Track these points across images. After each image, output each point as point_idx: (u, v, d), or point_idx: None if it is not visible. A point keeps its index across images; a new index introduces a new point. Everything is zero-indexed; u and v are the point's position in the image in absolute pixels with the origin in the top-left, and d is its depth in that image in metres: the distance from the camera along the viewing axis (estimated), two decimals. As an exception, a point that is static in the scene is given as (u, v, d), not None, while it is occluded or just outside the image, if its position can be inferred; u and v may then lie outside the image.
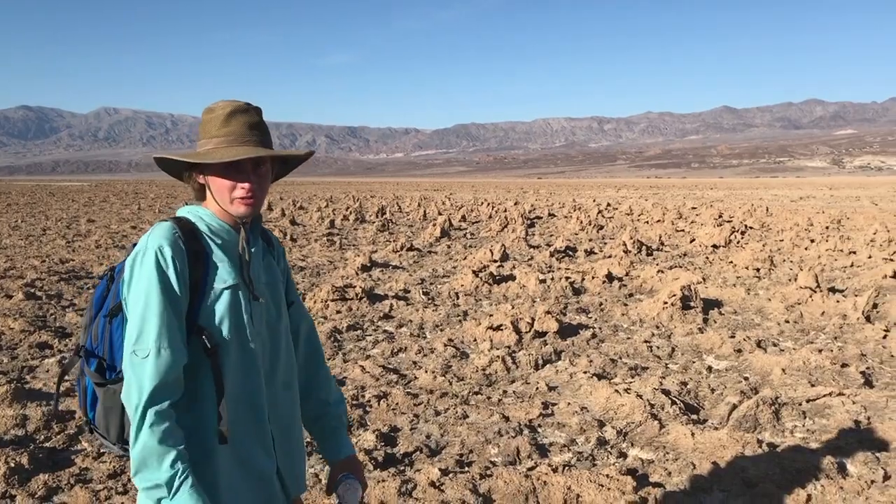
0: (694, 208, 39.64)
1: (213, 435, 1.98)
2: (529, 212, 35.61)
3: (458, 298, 11.53)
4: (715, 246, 19.49)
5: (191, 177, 2.11)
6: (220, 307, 2.00)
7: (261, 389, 2.08)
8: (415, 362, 7.82)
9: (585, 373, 7.24)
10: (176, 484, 1.85)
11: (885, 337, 8.46)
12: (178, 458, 1.86)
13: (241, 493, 2.03)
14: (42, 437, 5.49)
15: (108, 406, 2.06)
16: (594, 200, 51.13)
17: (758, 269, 14.44)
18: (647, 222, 28.88)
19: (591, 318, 10.24)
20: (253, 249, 2.14)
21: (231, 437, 2.00)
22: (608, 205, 43.22)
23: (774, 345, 8.59)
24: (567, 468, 4.81)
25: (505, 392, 6.84)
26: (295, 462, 2.26)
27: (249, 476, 2.05)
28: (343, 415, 2.46)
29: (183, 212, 2.12)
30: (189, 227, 2.03)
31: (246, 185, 2.02)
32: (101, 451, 5.21)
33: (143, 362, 1.88)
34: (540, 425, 5.92)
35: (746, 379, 7.19)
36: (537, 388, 6.89)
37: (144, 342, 1.89)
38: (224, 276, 2.02)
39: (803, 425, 5.85)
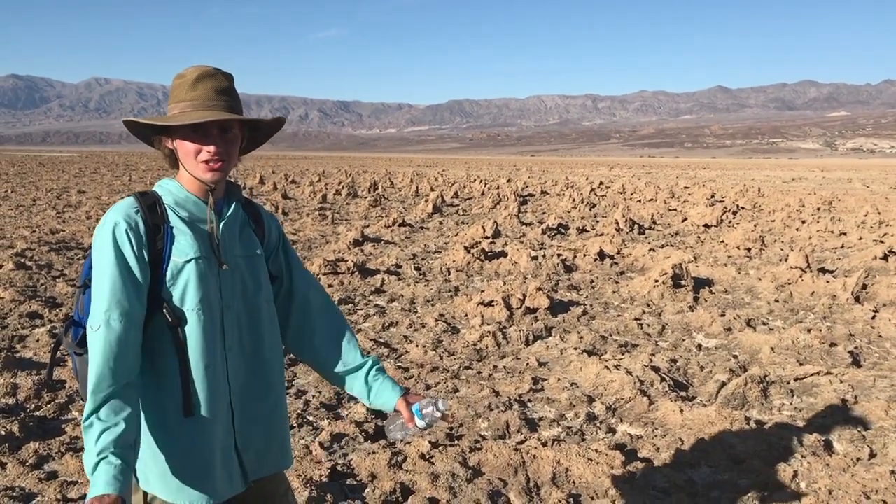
0: (686, 188, 39.66)
1: (176, 408, 1.99)
2: (522, 189, 35.59)
3: (449, 274, 11.54)
4: (707, 225, 19.54)
5: (160, 142, 2.08)
6: (182, 280, 1.99)
7: (222, 363, 2.05)
8: (406, 337, 7.84)
9: (576, 349, 7.28)
10: (99, 467, 1.83)
11: (873, 317, 8.52)
12: (110, 443, 1.84)
13: (205, 468, 2.02)
14: (33, 405, 5.49)
15: (84, 375, 2.08)
16: (587, 178, 51.11)
17: (749, 249, 14.49)
18: (640, 201, 28.91)
19: (582, 295, 10.27)
20: (226, 220, 2.12)
21: (194, 410, 2.00)
22: (601, 183, 43.21)
23: (764, 324, 8.64)
24: (556, 442, 4.84)
25: (495, 367, 6.87)
26: (264, 439, 2.20)
27: (211, 450, 2.03)
28: (380, 365, 2.36)
29: (157, 185, 2.11)
30: (152, 201, 2.03)
31: (211, 147, 2.00)
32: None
33: (95, 335, 1.90)
34: (530, 400, 5.95)
35: (735, 357, 7.24)
36: (528, 364, 6.92)
37: (97, 315, 1.91)
38: (186, 248, 2.00)
39: (791, 403, 5.90)
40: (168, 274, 1.98)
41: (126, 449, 1.86)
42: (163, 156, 2.11)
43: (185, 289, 1.99)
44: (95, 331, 1.90)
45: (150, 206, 2.02)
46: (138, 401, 1.96)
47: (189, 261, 1.99)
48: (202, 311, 2.00)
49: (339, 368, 2.33)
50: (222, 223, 2.10)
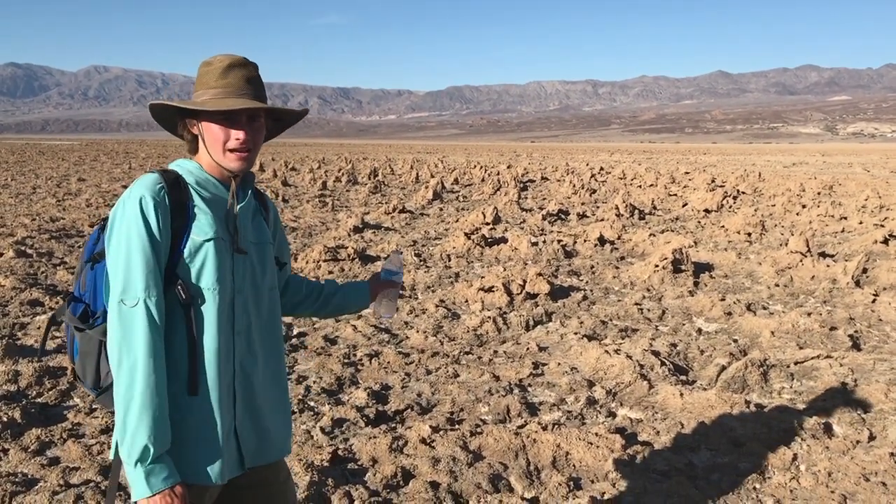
0: (687, 173, 39.60)
1: (183, 386, 1.98)
2: (522, 175, 35.52)
3: (449, 260, 11.54)
4: (707, 210, 19.52)
5: (185, 127, 2.10)
6: (199, 259, 1.99)
7: (230, 345, 2.06)
8: (406, 322, 7.85)
9: (576, 334, 7.29)
10: (154, 453, 1.86)
11: (873, 301, 8.52)
12: (162, 426, 1.88)
13: (207, 446, 2.02)
14: (34, 392, 5.50)
15: (86, 351, 2.06)
16: (587, 164, 51.02)
17: (749, 234, 14.48)
18: (640, 186, 28.87)
19: (582, 280, 10.27)
20: (242, 206, 2.13)
21: (200, 389, 2.00)
22: (601, 169, 43.13)
23: (764, 308, 8.64)
24: (556, 426, 4.85)
25: (496, 352, 6.88)
26: (265, 426, 2.18)
27: (218, 430, 2.03)
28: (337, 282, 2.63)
29: (173, 164, 2.11)
30: (174, 177, 2.03)
31: (241, 135, 2.02)
32: (94, 406, 5.24)
33: (131, 311, 1.87)
34: (530, 385, 5.96)
35: (735, 341, 7.24)
36: (528, 349, 6.93)
37: (133, 291, 1.88)
38: (206, 228, 2.01)
39: (791, 387, 5.91)
40: (186, 251, 1.98)
41: (168, 438, 1.91)
42: (185, 141, 2.13)
43: (202, 268, 1.99)
44: (132, 307, 1.88)
45: (173, 182, 2.02)
46: None
47: (208, 240, 1.99)
48: (217, 292, 2.00)
49: (314, 304, 2.56)
50: (240, 208, 2.12)
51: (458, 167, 43.56)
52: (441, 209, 19.77)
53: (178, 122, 2.12)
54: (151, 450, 1.84)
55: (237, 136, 2.02)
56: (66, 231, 13.74)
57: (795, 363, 6.36)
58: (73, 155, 56.88)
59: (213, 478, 2.03)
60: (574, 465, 4.47)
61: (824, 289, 9.40)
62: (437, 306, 8.31)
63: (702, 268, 10.80)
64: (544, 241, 12.65)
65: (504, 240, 12.97)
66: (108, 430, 4.86)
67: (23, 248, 11.25)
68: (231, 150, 2.04)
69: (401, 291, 2.73)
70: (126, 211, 1.93)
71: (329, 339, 7.10)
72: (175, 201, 1.99)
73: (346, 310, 2.63)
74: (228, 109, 1.98)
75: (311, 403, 5.43)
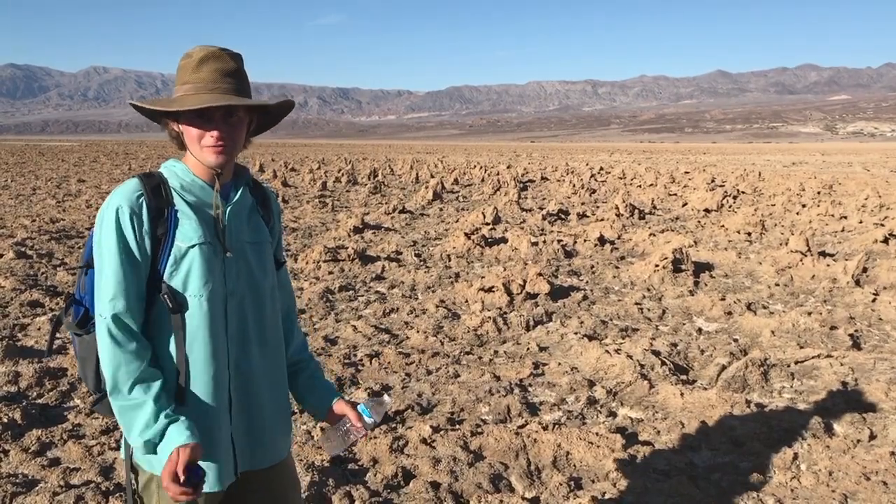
0: (687, 173, 39.60)
1: (173, 394, 1.97)
2: (522, 175, 35.51)
3: (449, 260, 11.54)
4: (707, 210, 19.52)
5: (167, 125, 2.04)
6: (185, 266, 1.95)
7: (223, 350, 2.02)
8: (406, 322, 7.84)
9: (576, 334, 7.29)
10: (160, 430, 1.88)
11: (873, 300, 8.52)
12: (159, 411, 1.89)
13: (206, 454, 1.98)
14: (34, 393, 5.50)
15: (84, 356, 2.07)
16: (587, 164, 51.01)
17: (749, 233, 14.48)
18: (640, 186, 28.86)
19: (582, 280, 10.27)
20: (234, 205, 2.07)
21: (190, 397, 1.98)
22: (601, 169, 43.13)
23: (764, 307, 8.64)
24: (557, 426, 4.86)
25: (496, 352, 6.88)
26: (262, 429, 2.14)
27: (217, 437, 2.01)
28: (320, 369, 2.45)
29: (164, 166, 2.07)
30: (156, 183, 1.99)
31: (215, 133, 1.95)
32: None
33: (102, 324, 1.90)
34: (530, 384, 5.96)
35: (736, 341, 7.24)
36: (528, 349, 6.93)
37: (102, 303, 1.91)
38: (190, 233, 1.96)
39: (791, 386, 5.91)
40: (171, 259, 1.95)
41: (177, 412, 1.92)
42: (170, 138, 2.06)
43: (188, 274, 1.95)
44: (105, 318, 1.89)
45: (155, 188, 1.97)
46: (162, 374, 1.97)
47: (193, 246, 1.95)
48: (205, 298, 1.96)
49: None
50: (229, 208, 2.06)
51: (458, 167, 43.52)
52: (441, 209, 19.77)
53: (161, 122, 2.06)
54: (158, 428, 1.89)
55: (212, 133, 1.95)
56: (66, 232, 13.73)
57: (796, 362, 6.36)
58: (73, 156, 56.87)
59: (212, 485, 2.02)
60: (575, 465, 4.47)
61: (824, 288, 9.40)
62: (437, 306, 8.30)
63: (702, 267, 10.79)
64: (544, 241, 12.63)
65: (504, 240, 12.97)
66: (108, 430, 4.86)
67: (23, 249, 11.25)
68: (208, 146, 1.97)
69: (361, 436, 2.34)
70: (103, 222, 1.93)
71: (329, 339, 7.10)
72: (155, 209, 1.95)
73: (297, 399, 2.39)
74: (192, 109, 1.91)
75: (312, 404, 5.42)
